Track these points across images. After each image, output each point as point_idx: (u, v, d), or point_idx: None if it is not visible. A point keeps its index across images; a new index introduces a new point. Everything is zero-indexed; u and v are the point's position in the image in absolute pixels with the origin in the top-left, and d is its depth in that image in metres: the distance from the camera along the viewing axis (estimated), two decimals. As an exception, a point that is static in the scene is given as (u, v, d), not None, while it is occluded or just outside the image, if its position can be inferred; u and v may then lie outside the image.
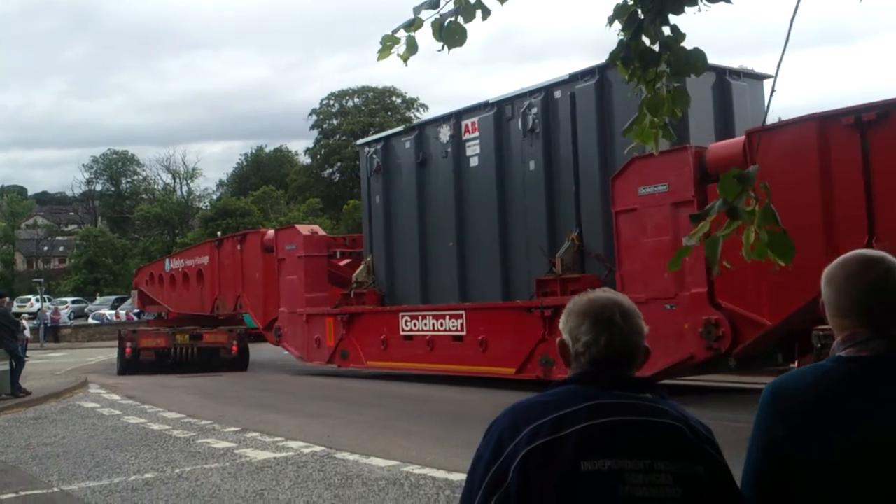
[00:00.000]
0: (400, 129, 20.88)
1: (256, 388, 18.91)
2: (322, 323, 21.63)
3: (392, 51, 3.10)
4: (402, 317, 19.23)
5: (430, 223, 19.78)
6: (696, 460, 1.92)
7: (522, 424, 1.94)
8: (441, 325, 18.25)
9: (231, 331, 25.11)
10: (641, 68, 2.80)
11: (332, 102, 74.10)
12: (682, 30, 2.76)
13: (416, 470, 9.03)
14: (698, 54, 2.81)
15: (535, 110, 17.04)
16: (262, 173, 79.21)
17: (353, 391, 17.89)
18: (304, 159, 77.16)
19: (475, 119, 18.57)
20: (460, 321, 17.81)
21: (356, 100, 73.57)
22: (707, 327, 12.73)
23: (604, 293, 2.11)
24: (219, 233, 40.56)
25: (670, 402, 2.02)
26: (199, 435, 12.04)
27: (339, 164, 72.15)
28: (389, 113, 72.83)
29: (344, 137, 71.95)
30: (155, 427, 13.01)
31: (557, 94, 16.76)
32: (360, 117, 71.12)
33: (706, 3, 2.69)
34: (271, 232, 24.89)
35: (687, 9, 2.70)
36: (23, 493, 8.58)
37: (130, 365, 24.00)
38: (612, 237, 14.51)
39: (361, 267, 21.62)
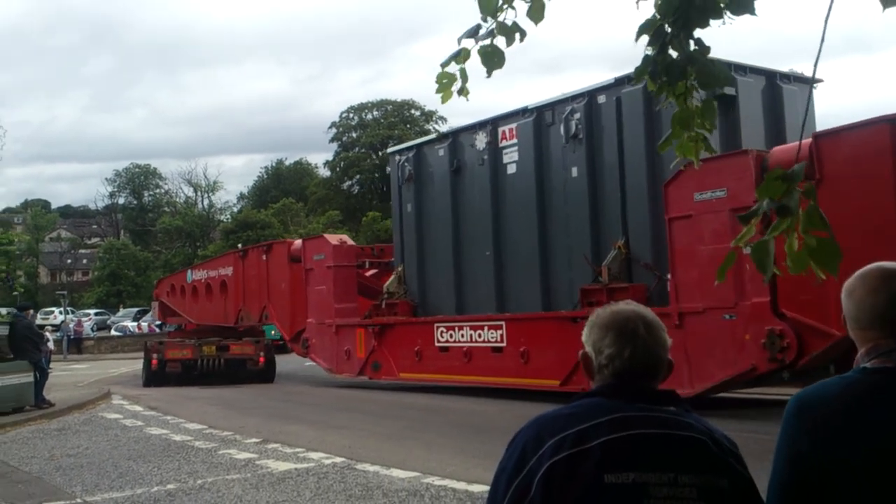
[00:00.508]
0: (432, 136, 20.36)
1: (277, 398, 18.95)
2: (352, 334, 21.27)
3: (452, 88, 3.13)
4: (438, 328, 18.80)
5: (464, 232, 19.36)
6: (721, 474, 1.92)
7: (546, 436, 1.94)
8: (479, 336, 17.77)
9: (258, 342, 24.78)
10: (668, 82, 2.80)
11: (351, 115, 74.51)
12: (705, 43, 2.77)
13: (437, 481, 9.02)
14: (722, 67, 2.81)
15: (577, 115, 16.56)
16: (282, 186, 79.71)
17: (374, 402, 17.89)
18: (324, 172, 77.68)
19: (513, 125, 18.13)
20: (500, 332, 17.32)
21: (375, 113, 73.91)
22: (770, 338, 12.30)
23: (627, 305, 2.12)
24: (239, 245, 40.54)
25: (694, 415, 2.01)
26: (220, 446, 12.09)
27: (358, 176, 72.49)
28: (408, 125, 73.07)
29: (363, 150, 72.30)
30: (177, 438, 13.07)
31: (601, 98, 16.34)
32: (378, 130, 71.43)
33: (731, 16, 2.69)
34: (298, 242, 24.60)
35: (711, 21, 2.70)
36: (47, 504, 8.65)
37: (156, 377, 23.73)
38: (662, 245, 14.23)
39: (392, 277, 21.18)
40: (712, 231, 13.00)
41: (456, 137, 19.84)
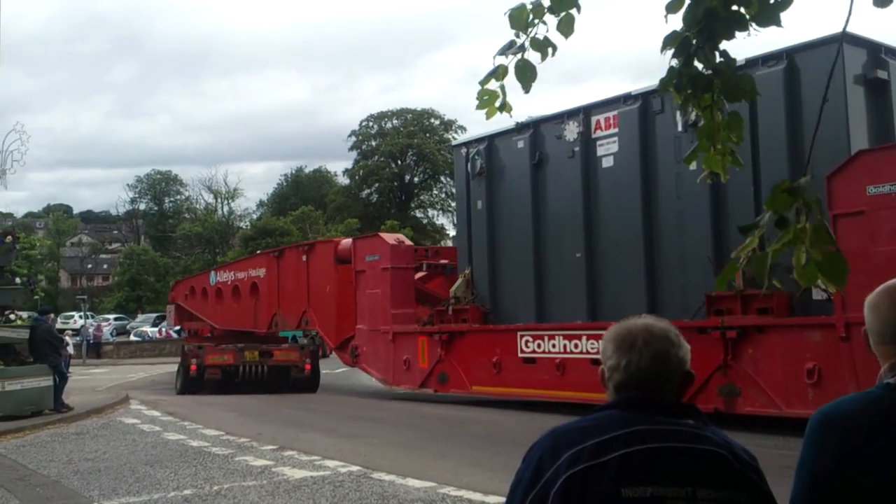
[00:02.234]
0: (509, 127, 18.53)
1: (293, 406, 18.98)
2: (413, 342, 19.70)
3: (495, 104, 3.16)
4: (522, 336, 16.97)
5: (548, 231, 17.58)
6: (740, 488, 1.90)
7: (562, 449, 1.93)
8: (576, 346, 15.94)
9: (303, 348, 23.32)
10: (694, 94, 2.80)
11: (371, 124, 74.82)
12: (731, 55, 2.77)
13: (453, 492, 9.00)
14: (747, 79, 2.81)
15: None
16: (301, 194, 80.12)
17: (389, 411, 17.88)
18: (343, 180, 77.95)
19: (612, 114, 16.33)
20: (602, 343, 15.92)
21: (395, 121, 74.22)
22: None
23: (641, 319, 2.12)
24: (258, 252, 40.30)
25: (712, 428, 2.00)
26: (237, 452, 12.13)
27: (377, 184, 72.73)
28: (427, 134, 73.32)
29: (382, 159, 72.56)
30: (194, 444, 13.12)
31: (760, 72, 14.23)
32: (398, 139, 71.71)
33: (756, 27, 2.69)
34: (347, 241, 23.01)
35: (737, 33, 2.70)
36: (65, 508, 8.71)
37: (194, 384, 22.30)
38: None
39: (459, 280, 19.39)
40: (891, 230, 11.60)
41: (538, 128, 17.91)
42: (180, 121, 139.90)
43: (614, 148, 16.24)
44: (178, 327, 36.77)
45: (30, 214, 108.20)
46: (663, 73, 2.89)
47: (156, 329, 50.23)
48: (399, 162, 73.98)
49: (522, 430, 13.83)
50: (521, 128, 18.02)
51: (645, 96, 15.70)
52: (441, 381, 18.93)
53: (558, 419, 2.12)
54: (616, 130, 16.17)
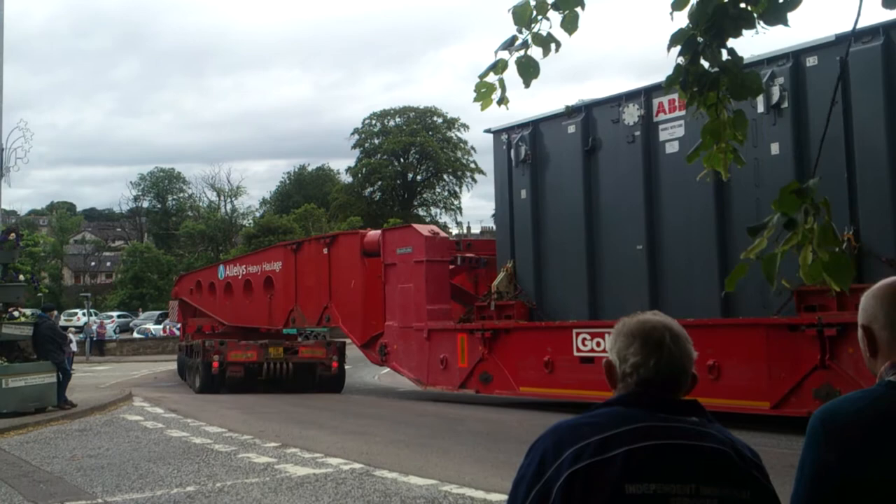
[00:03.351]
0: (557, 111, 17.43)
1: (295, 404, 18.97)
2: (451, 340, 18.64)
3: (492, 97, 3.16)
4: (579, 334, 15.87)
5: (602, 222, 16.47)
6: (743, 485, 1.91)
7: (566, 445, 1.94)
8: None
9: (329, 344, 22.19)
10: (700, 92, 2.80)
11: (373, 122, 74.90)
12: (738, 53, 2.77)
13: (455, 489, 9.00)
14: (753, 77, 2.81)
15: (780, 81, 13.74)
16: (304, 191, 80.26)
17: (392, 409, 17.90)
18: (346, 178, 78.03)
19: (677, 96, 15.58)
20: None
21: (397, 119, 74.28)
22: None
23: (654, 316, 2.12)
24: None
25: (717, 426, 2.00)
26: (240, 449, 12.14)
27: (379, 182, 72.78)
28: (430, 132, 73.36)
29: (385, 157, 72.59)
30: (197, 441, 13.14)
31: (811, 60, 13.53)
32: (401, 137, 71.77)
33: (764, 26, 2.69)
34: (375, 233, 21.80)
35: (744, 31, 2.71)
36: (68, 504, 8.73)
37: (215, 382, 21.34)
38: None
39: (501, 274, 18.24)
40: None
41: (590, 112, 16.83)
42: (184, 118, 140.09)
43: (680, 132, 15.20)
44: (180, 324, 35.37)
45: (33, 212, 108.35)
46: (668, 71, 2.89)
47: (159, 326, 50.27)
48: (402, 160, 74.02)
49: (524, 427, 13.84)
50: (571, 111, 16.98)
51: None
52: (484, 382, 17.85)
53: (560, 417, 2.11)
54: (682, 113, 14.92)
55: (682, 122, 15.05)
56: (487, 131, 19.22)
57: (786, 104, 13.73)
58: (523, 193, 18.07)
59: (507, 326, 17.43)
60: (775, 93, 13.78)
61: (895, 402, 1.92)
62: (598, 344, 15.42)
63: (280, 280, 23.84)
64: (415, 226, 21.19)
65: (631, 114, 15.93)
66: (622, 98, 16.17)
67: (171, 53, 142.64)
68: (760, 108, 13.79)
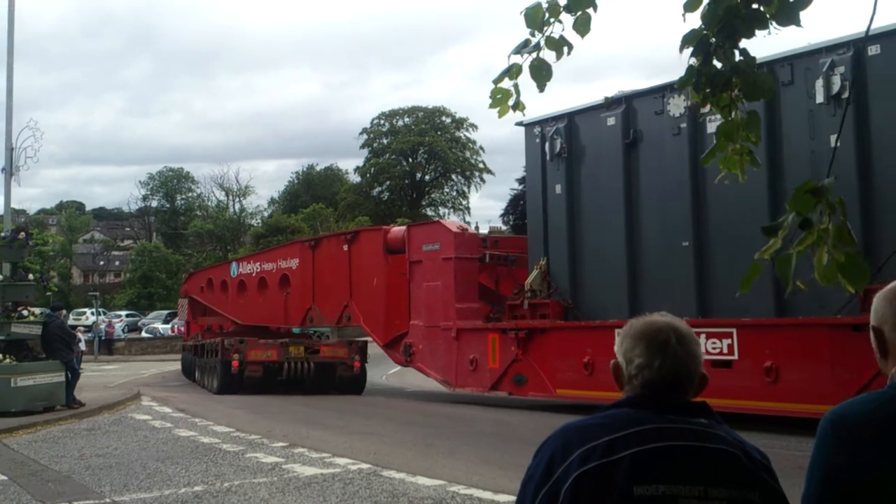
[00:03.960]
0: (595, 102, 16.77)
1: (303, 404, 18.98)
2: (481, 340, 18.08)
3: (508, 102, 3.16)
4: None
5: (643, 218, 15.87)
6: (751, 487, 1.90)
7: (574, 446, 1.93)
8: None
9: (351, 343, 21.55)
10: (712, 93, 2.79)
11: (382, 122, 74.96)
12: (750, 53, 2.75)
13: (463, 490, 8.99)
14: (766, 78, 2.79)
15: (840, 70, 13.05)
16: (312, 191, 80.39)
17: (399, 409, 17.90)
18: (354, 178, 78.12)
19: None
20: (727, 342, 13.69)
21: (406, 119, 74.33)
22: None
23: (662, 317, 2.10)
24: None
25: (725, 428, 1.99)
26: (247, 449, 12.16)
27: (388, 182, 72.83)
28: (439, 132, 73.37)
29: (393, 157, 72.66)
30: (205, 440, 13.16)
31: (874, 49, 12.79)
32: (409, 136, 71.82)
33: (776, 26, 2.67)
34: (399, 229, 21.29)
35: (757, 32, 2.69)
36: (75, 503, 8.74)
37: (234, 382, 20.75)
38: None
39: (535, 272, 17.57)
40: None
41: (630, 103, 16.25)
42: (193, 118, 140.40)
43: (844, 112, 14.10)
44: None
45: (43, 211, 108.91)
46: (678, 71, 2.88)
47: (168, 326, 50.42)
48: (410, 160, 74.06)
49: (532, 428, 13.82)
50: (610, 103, 16.18)
51: (770, 65, 13.61)
52: (517, 384, 17.22)
53: (568, 418, 2.10)
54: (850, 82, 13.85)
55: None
56: (519, 124, 18.57)
57: (846, 94, 13.03)
58: (558, 188, 17.51)
59: (543, 326, 16.88)
60: (835, 82, 13.16)
61: (905, 406, 1.91)
62: None
63: (297, 278, 23.21)
64: (443, 221, 20.94)
65: (677, 105, 15.25)
66: (667, 89, 15.39)
67: (180, 54, 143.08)
68: (819, 98, 13.26)
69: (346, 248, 21.57)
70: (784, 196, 12.85)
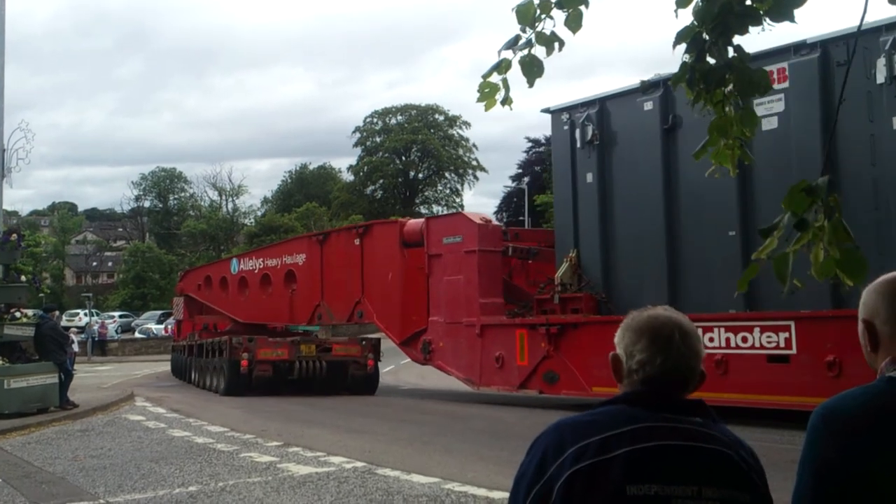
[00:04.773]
0: (631, 87, 16.03)
1: (297, 402, 18.94)
2: (508, 337, 17.34)
3: (496, 97, 3.15)
4: None
5: (683, 207, 15.19)
6: (744, 488, 1.90)
7: (567, 443, 1.92)
8: (744, 340, 13.53)
9: (364, 342, 20.82)
10: (706, 89, 2.79)
11: (375, 120, 74.97)
12: (744, 49, 2.75)
13: (458, 487, 9.00)
14: (761, 74, 2.79)
15: None
16: (305, 190, 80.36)
17: (394, 407, 17.88)
18: (348, 176, 78.09)
19: (776, 67, 13.63)
20: (784, 335, 13.10)
21: (399, 117, 74.32)
22: None
23: (665, 311, 2.07)
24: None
25: (720, 427, 1.98)
26: (242, 449, 12.14)
27: (381, 181, 72.84)
28: (432, 130, 73.37)
29: (387, 155, 72.65)
30: (199, 440, 13.14)
31: None
32: (402, 135, 71.82)
33: (770, 22, 2.67)
34: (416, 221, 20.57)
35: (751, 28, 2.69)
36: (70, 504, 8.72)
37: (243, 383, 20.00)
38: None
39: (564, 265, 16.84)
40: None
41: (669, 87, 14.60)
42: (185, 118, 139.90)
43: (779, 107, 13.88)
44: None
45: (35, 212, 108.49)
46: (670, 67, 2.89)
47: (161, 326, 50.31)
48: (403, 158, 74.07)
49: (527, 425, 13.83)
50: (648, 87, 15.33)
51: (824, 45, 13.14)
52: (549, 382, 16.43)
53: (562, 416, 2.09)
54: (782, 86, 13.69)
55: (781, 95, 13.72)
56: (545, 111, 17.85)
57: None
58: (589, 177, 16.75)
59: (576, 321, 16.18)
60: None
61: (895, 398, 1.91)
62: None
63: (304, 274, 22.40)
64: (465, 213, 19.94)
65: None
66: None
67: (173, 53, 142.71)
68: (880, 79, 12.52)
69: (357, 242, 20.86)
70: (840, 182, 12.60)
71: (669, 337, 1.99)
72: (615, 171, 16.44)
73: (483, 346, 17.76)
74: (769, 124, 13.81)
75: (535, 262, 18.88)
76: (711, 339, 13.75)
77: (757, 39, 2.72)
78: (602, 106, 16.74)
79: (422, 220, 20.74)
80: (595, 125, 16.62)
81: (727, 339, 13.73)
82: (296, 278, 22.75)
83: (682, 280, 15.13)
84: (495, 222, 19.11)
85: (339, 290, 21.27)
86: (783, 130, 13.79)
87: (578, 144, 16.91)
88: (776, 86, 13.53)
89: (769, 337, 13.32)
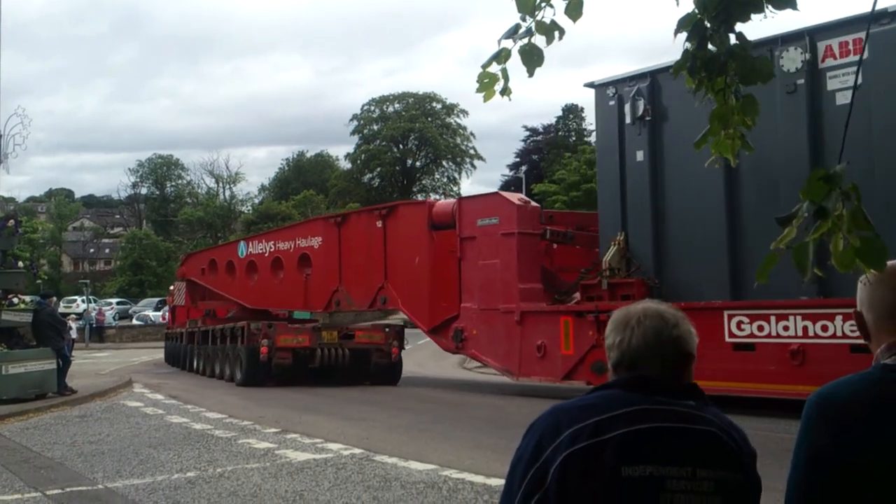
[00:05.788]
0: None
1: (295, 389, 18.95)
2: (551, 324, 16.27)
3: (495, 87, 3.14)
4: (732, 317, 13.57)
5: (747, 187, 14.17)
6: (736, 469, 1.93)
7: (563, 427, 1.94)
8: (824, 328, 12.58)
9: (387, 329, 20.06)
10: (708, 78, 2.79)
11: (372, 108, 74.73)
12: (746, 37, 2.75)
13: (455, 474, 9.04)
14: (764, 62, 2.79)
15: None
16: (303, 178, 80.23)
17: (392, 395, 17.92)
18: (345, 164, 77.93)
19: (852, 37, 12.84)
20: None
21: (396, 105, 74.10)
22: None
23: (641, 303, 2.13)
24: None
25: (713, 410, 2.01)
26: (240, 435, 12.18)
27: (378, 169, 72.70)
28: (430, 118, 73.20)
29: (384, 143, 72.49)
30: (197, 427, 13.18)
31: None
32: (400, 123, 71.63)
33: (772, 9, 2.67)
34: (447, 202, 19.64)
35: (752, 15, 2.69)
36: (68, 490, 8.73)
37: (262, 371, 19.25)
38: None
39: (612, 249, 15.85)
40: None
41: None
42: (182, 104, 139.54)
43: (855, 80, 13.18)
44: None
45: (32, 199, 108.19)
46: (670, 55, 2.89)
47: (158, 313, 50.32)
48: (401, 146, 73.91)
49: (526, 413, 13.84)
50: None
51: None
52: (598, 372, 15.09)
53: (556, 402, 2.12)
54: (859, 58, 12.75)
55: (855, 68, 13.03)
56: (589, 85, 16.84)
57: None
58: (639, 155, 15.67)
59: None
60: None
61: (890, 385, 1.92)
62: (762, 328, 13.21)
63: (320, 257, 21.32)
64: (502, 193, 18.90)
65: (792, 59, 13.47)
66: (778, 41, 13.56)
67: (169, 39, 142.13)
68: None
69: (379, 224, 19.70)
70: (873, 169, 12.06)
71: (627, 322, 2.06)
72: (670, 149, 15.29)
73: (523, 334, 16.69)
74: (843, 98, 13.04)
75: (561, 246, 18.15)
76: (786, 329, 12.93)
77: (759, 26, 2.71)
78: (653, 79, 15.58)
79: (453, 200, 19.80)
80: (647, 100, 15.59)
81: (804, 328, 12.83)
82: (311, 262, 21.74)
83: (745, 266, 13.98)
84: (533, 203, 18.05)
85: (360, 275, 20.26)
86: (861, 104, 12.49)
87: (628, 120, 15.84)
88: (849, 58, 12.97)
89: (852, 325, 12.50)
